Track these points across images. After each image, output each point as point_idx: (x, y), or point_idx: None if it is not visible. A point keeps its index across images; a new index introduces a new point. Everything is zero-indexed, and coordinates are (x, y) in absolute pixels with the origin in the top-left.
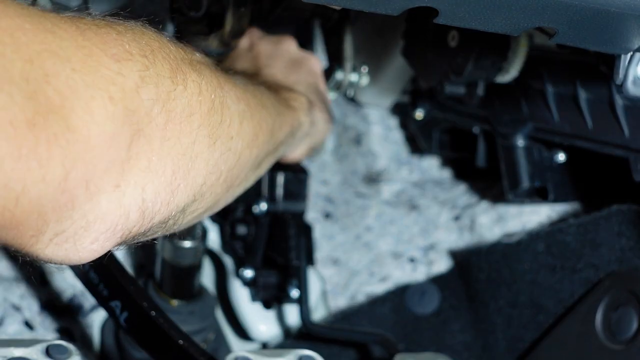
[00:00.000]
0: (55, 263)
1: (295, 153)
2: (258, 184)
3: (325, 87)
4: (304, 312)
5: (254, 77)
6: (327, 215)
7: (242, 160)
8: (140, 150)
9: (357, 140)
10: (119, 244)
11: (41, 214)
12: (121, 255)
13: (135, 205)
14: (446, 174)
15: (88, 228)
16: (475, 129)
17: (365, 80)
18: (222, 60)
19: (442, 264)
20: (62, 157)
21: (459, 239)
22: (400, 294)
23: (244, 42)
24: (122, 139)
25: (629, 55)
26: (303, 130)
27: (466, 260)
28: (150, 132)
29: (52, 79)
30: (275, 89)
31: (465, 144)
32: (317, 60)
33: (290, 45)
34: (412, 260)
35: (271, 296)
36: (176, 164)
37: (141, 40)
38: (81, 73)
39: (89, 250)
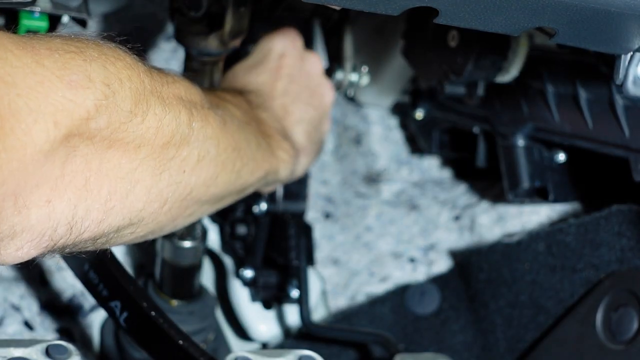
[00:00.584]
0: None
1: (266, 189)
2: None
3: (329, 121)
4: (304, 312)
5: (260, 106)
6: (327, 215)
7: (195, 195)
8: (77, 170)
9: (357, 140)
10: (44, 253)
11: None
12: (121, 255)
13: (64, 221)
14: (446, 174)
15: (14, 237)
16: (475, 129)
17: (365, 80)
18: (246, 55)
19: (442, 264)
20: None
21: (459, 239)
22: (400, 294)
23: (278, 46)
24: (57, 157)
25: (629, 55)
26: (279, 180)
27: (466, 260)
28: (89, 154)
29: None
30: (269, 134)
31: (465, 144)
32: (331, 92)
33: (314, 67)
34: (412, 260)
35: (271, 296)
36: (113, 187)
37: (110, 67)
38: (26, 98)
39: (12, 257)
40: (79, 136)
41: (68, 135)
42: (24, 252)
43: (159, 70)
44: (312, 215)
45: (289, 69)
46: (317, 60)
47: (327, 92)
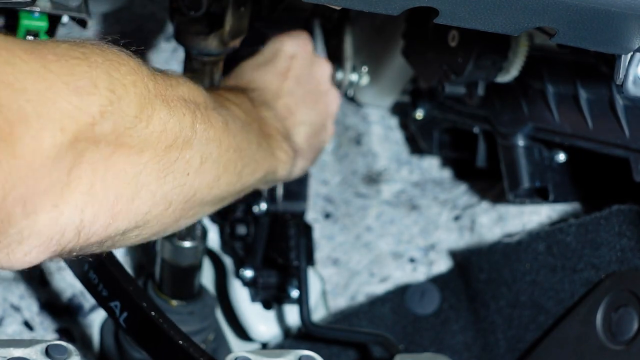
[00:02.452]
0: None
1: (262, 187)
2: None
3: (332, 129)
4: (304, 313)
5: (258, 108)
6: (327, 215)
7: (198, 197)
8: (83, 175)
9: (357, 140)
10: (52, 257)
11: None
12: (121, 255)
13: (72, 225)
14: (446, 174)
15: (22, 242)
16: (476, 129)
17: (365, 80)
18: (255, 52)
19: (442, 264)
20: (3, 179)
21: (459, 239)
22: (401, 294)
23: (289, 47)
24: (64, 163)
25: (629, 55)
26: (276, 179)
27: (466, 261)
28: (95, 159)
29: (4, 108)
30: (270, 133)
31: (466, 144)
32: (337, 100)
33: (324, 72)
34: (412, 260)
35: (271, 296)
36: (119, 191)
37: (115, 74)
38: (35, 104)
39: (21, 261)
40: (84, 142)
41: (74, 140)
42: (32, 257)
43: (163, 72)
44: (312, 215)
45: (297, 71)
46: (326, 66)
47: (332, 99)
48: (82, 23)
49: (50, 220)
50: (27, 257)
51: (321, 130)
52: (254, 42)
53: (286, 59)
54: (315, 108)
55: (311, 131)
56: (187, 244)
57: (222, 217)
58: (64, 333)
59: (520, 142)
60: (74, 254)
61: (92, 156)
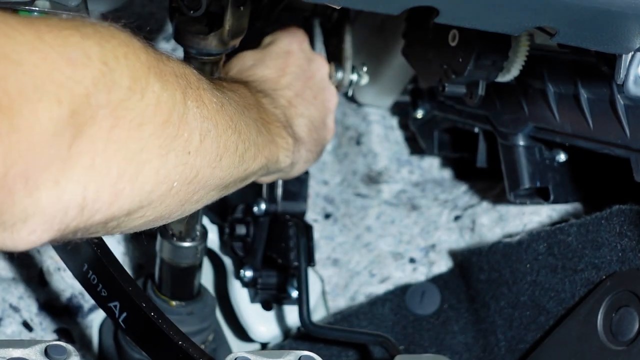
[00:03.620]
0: None
1: (266, 179)
2: (258, 184)
3: (332, 126)
4: (304, 313)
5: (262, 92)
6: (327, 216)
7: (201, 178)
8: (83, 150)
9: (357, 140)
10: (57, 237)
11: None
12: (120, 255)
13: (74, 202)
14: (447, 174)
15: (26, 220)
16: (476, 129)
17: (365, 80)
18: (254, 47)
19: (442, 265)
20: (4, 154)
21: (460, 240)
22: (401, 295)
23: (286, 43)
24: (63, 138)
25: (630, 55)
26: (279, 169)
27: (467, 261)
28: (94, 134)
29: (1, 80)
30: (269, 120)
31: (466, 143)
32: (335, 96)
33: (320, 69)
34: (412, 260)
35: (271, 297)
36: (122, 167)
37: (107, 45)
38: (32, 76)
39: (25, 241)
40: (82, 115)
41: (72, 114)
42: (37, 236)
43: (154, 47)
44: (312, 215)
45: (294, 67)
46: (323, 63)
47: (330, 96)
48: None
49: (52, 197)
50: (31, 237)
51: (321, 125)
52: (254, 41)
53: (283, 56)
54: (314, 103)
55: (311, 124)
56: (186, 244)
57: (221, 217)
58: (63, 333)
59: (521, 142)
60: (79, 234)
61: (91, 130)
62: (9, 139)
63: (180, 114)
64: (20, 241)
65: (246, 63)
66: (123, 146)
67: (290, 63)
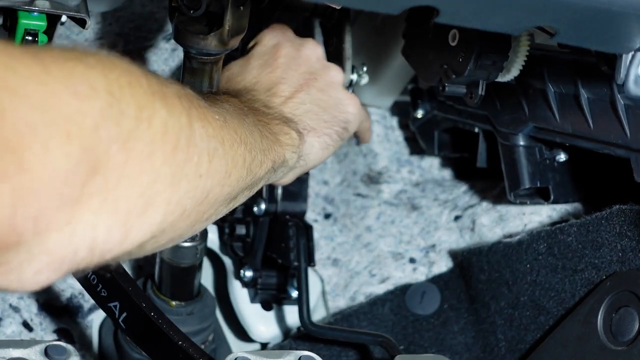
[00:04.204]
0: None
1: (282, 180)
2: None
3: (349, 95)
4: (304, 313)
5: (252, 99)
6: (327, 216)
7: (212, 197)
8: (95, 189)
9: (358, 140)
10: (65, 275)
11: None
12: None
13: (84, 243)
14: (447, 174)
15: (33, 260)
16: (476, 129)
17: (365, 80)
18: (238, 56)
19: (442, 265)
20: (12, 194)
21: (460, 240)
22: (401, 295)
23: (269, 40)
24: (76, 177)
25: (630, 54)
26: (288, 166)
27: (467, 261)
28: (108, 170)
29: (11, 117)
30: (267, 121)
31: (466, 143)
32: (337, 72)
33: (312, 51)
34: (412, 260)
35: (271, 297)
36: (132, 203)
37: (110, 75)
38: (41, 111)
39: (32, 282)
40: (94, 150)
41: (83, 150)
42: (44, 277)
43: (153, 72)
44: (312, 215)
45: (284, 58)
46: (314, 45)
47: (332, 72)
48: (81, 22)
49: (62, 238)
50: (38, 277)
51: (332, 103)
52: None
53: (269, 50)
54: (315, 85)
55: (316, 107)
56: (186, 244)
57: (221, 217)
58: (63, 333)
59: (521, 142)
60: (91, 268)
61: (105, 167)
62: (19, 178)
63: (188, 137)
64: (27, 282)
65: (233, 72)
66: (136, 180)
67: (278, 56)
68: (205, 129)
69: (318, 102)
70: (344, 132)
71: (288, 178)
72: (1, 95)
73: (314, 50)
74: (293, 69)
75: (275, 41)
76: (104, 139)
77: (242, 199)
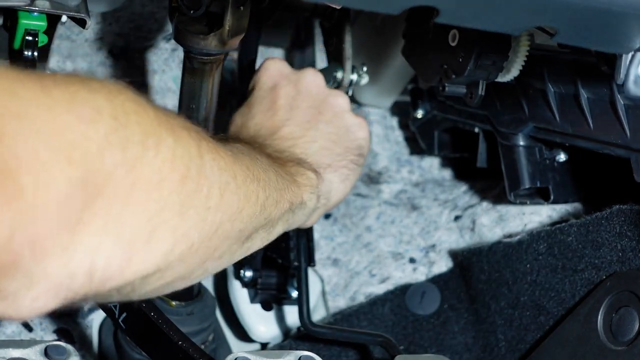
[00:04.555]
0: None
1: (307, 223)
2: None
3: (359, 120)
4: (304, 313)
5: (261, 146)
6: (327, 216)
7: (222, 233)
8: (97, 214)
9: None
10: (64, 303)
11: None
12: None
13: (82, 269)
14: (447, 174)
15: (31, 287)
16: (476, 129)
17: (365, 80)
18: (240, 102)
19: (442, 265)
20: (10, 218)
21: (460, 240)
22: (401, 295)
23: (265, 82)
24: (76, 202)
25: (630, 54)
26: (308, 208)
27: (467, 261)
28: (112, 195)
29: (10, 141)
30: (282, 162)
31: (466, 143)
32: (343, 98)
33: (312, 83)
34: (412, 260)
35: (271, 297)
36: (136, 230)
37: (115, 100)
38: (43, 136)
39: (29, 309)
40: (96, 175)
41: (85, 174)
42: (41, 303)
43: (161, 106)
44: None
45: (284, 98)
46: (313, 76)
47: (337, 101)
48: (81, 22)
49: (60, 264)
50: (35, 304)
51: (343, 133)
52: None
53: (267, 94)
54: (322, 119)
55: (328, 142)
56: None
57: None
58: (63, 333)
59: (521, 142)
60: (91, 300)
61: (108, 192)
62: (17, 203)
63: (198, 168)
64: (24, 309)
65: (237, 124)
66: (143, 208)
67: (277, 97)
68: (217, 162)
69: (328, 137)
70: (360, 158)
71: (312, 220)
72: (3, 120)
73: (313, 81)
74: (296, 108)
75: (272, 82)
76: (108, 164)
77: (259, 241)
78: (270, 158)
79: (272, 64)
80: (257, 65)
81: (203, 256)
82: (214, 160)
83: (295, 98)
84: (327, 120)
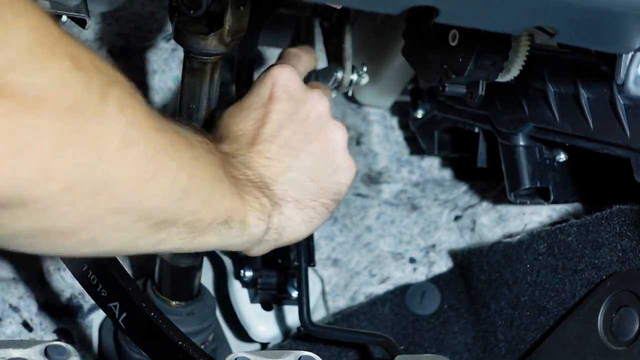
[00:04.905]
0: None
1: (251, 252)
2: None
3: (348, 163)
4: (304, 313)
5: (230, 154)
6: None
7: (115, 193)
8: None
9: (357, 140)
10: None
11: None
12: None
13: None
14: (447, 174)
15: None
16: (476, 129)
17: (365, 80)
18: (232, 101)
19: (442, 265)
20: None
21: (460, 240)
22: (401, 295)
23: (266, 90)
24: None
25: (630, 54)
26: (253, 233)
27: (467, 261)
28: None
29: None
30: (234, 175)
31: (466, 143)
32: (341, 131)
33: (317, 106)
34: (412, 260)
35: (271, 297)
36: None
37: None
38: None
39: None
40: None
41: None
42: None
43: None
44: None
45: (277, 114)
46: (318, 99)
47: (334, 133)
48: (81, 22)
49: None
50: None
51: (326, 172)
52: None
53: (263, 104)
54: (308, 149)
55: (304, 176)
56: None
57: None
58: (63, 334)
59: (521, 142)
60: None
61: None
62: None
63: (95, 106)
64: None
65: (223, 122)
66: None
67: (272, 111)
68: (125, 114)
69: (307, 171)
70: (333, 203)
71: (257, 250)
72: None
73: (315, 106)
74: (285, 128)
75: (272, 93)
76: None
77: (178, 241)
78: (227, 165)
79: (279, 73)
80: (256, 66)
81: (89, 212)
82: (120, 108)
83: (290, 118)
84: (313, 152)
